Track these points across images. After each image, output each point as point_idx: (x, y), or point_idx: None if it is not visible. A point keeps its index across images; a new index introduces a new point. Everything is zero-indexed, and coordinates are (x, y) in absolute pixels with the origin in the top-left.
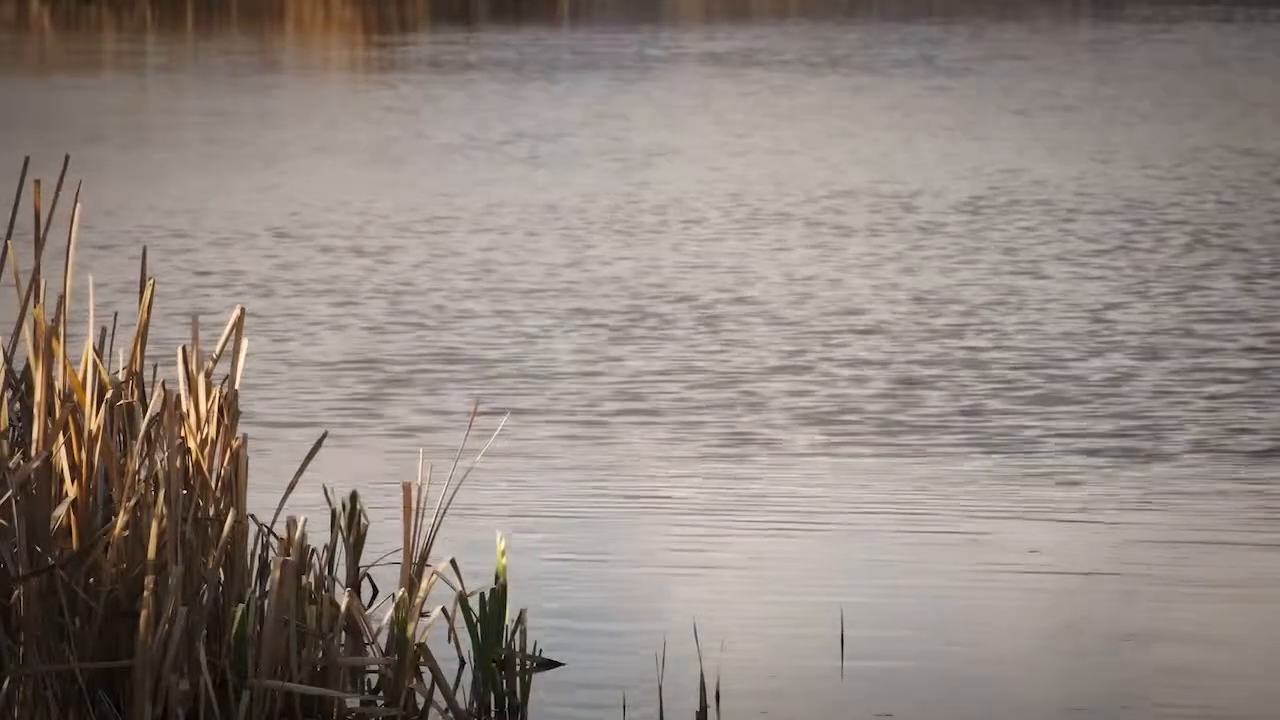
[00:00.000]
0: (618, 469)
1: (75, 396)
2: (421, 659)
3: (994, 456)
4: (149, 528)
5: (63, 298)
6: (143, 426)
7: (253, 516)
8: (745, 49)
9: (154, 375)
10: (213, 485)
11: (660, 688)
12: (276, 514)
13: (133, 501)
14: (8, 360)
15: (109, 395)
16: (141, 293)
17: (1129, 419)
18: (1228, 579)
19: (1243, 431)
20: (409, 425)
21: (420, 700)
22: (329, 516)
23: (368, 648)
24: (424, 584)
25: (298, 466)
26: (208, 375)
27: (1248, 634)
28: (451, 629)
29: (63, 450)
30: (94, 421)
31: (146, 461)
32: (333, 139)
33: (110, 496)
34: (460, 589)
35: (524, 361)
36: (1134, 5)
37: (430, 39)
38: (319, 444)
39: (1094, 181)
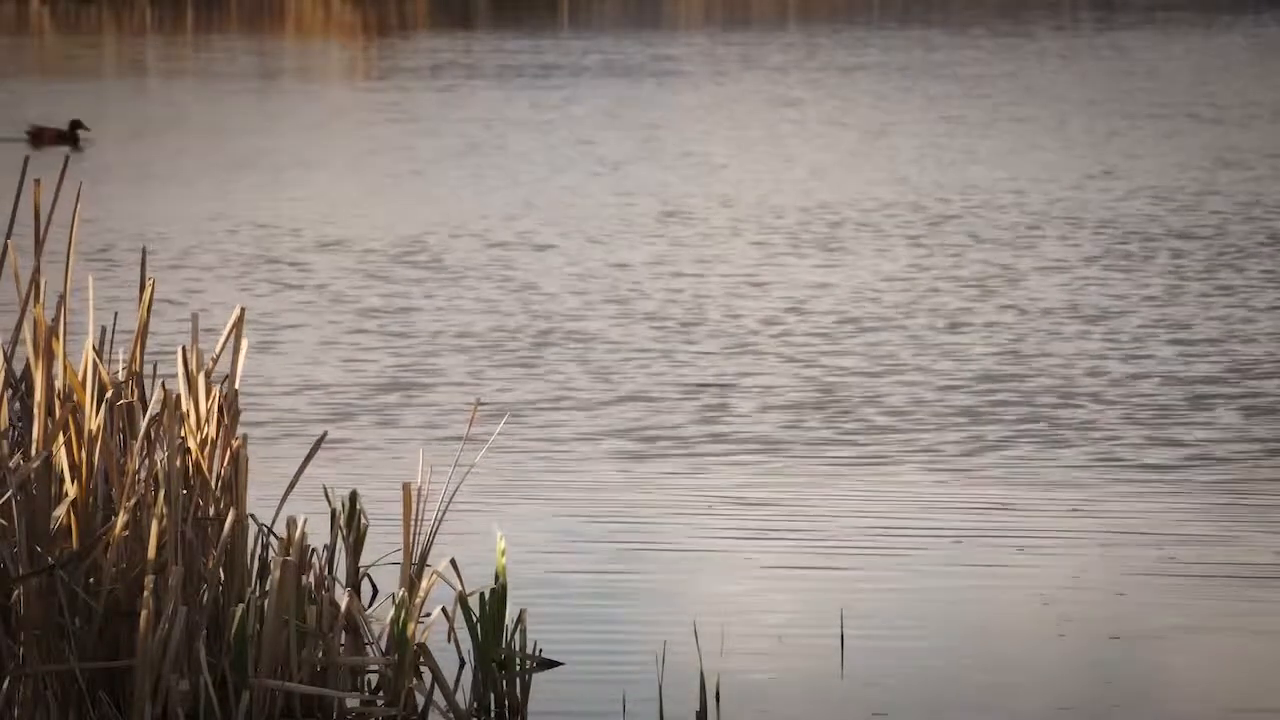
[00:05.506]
0: (617, 470)
1: (75, 396)
2: (421, 659)
3: (985, 461)
4: (149, 528)
5: (63, 298)
6: (143, 426)
7: (253, 516)
8: (744, 52)
9: (154, 375)
10: (213, 485)
11: (660, 688)
12: (276, 514)
13: (133, 501)
14: (8, 360)
15: (109, 395)
16: (141, 293)
17: (1118, 423)
18: (1215, 579)
19: (1232, 436)
20: (409, 426)
21: (420, 700)
22: (329, 516)
23: (368, 648)
24: (424, 584)
25: (297, 466)
26: (208, 375)
27: (1236, 634)
28: (451, 629)
29: (63, 450)
30: (94, 421)
31: (146, 461)
32: (332, 143)
33: (110, 496)
34: (460, 589)
35: (524, 364)
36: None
37: (430, 43)
38: (319, 444)
39: (1094, 188)
